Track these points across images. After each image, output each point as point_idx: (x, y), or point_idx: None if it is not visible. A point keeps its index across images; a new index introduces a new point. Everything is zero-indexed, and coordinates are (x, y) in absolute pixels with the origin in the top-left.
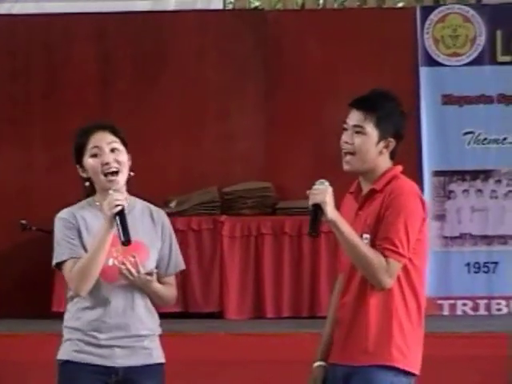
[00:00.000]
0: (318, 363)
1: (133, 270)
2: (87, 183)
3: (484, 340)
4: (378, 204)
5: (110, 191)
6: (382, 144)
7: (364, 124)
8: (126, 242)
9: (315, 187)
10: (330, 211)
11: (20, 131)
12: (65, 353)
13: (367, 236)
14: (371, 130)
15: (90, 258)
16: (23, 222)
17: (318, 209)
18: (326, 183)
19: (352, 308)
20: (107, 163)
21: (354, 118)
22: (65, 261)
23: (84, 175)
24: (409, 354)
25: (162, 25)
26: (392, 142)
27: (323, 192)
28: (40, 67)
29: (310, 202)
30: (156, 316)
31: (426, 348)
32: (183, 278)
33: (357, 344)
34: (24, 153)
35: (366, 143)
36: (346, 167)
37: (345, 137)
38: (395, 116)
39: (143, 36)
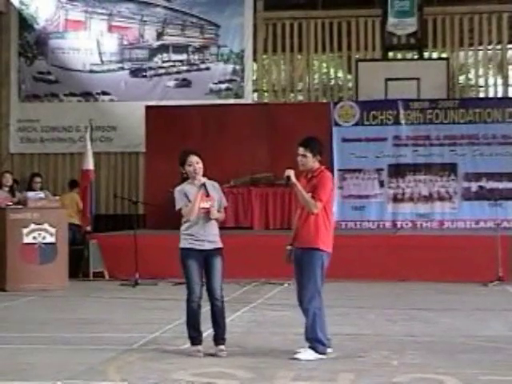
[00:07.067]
0: (289, 247)
1: (211, 211)
2: (184, 175)
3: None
4: (315, 181)
5: (197, 178)
6: (314, 159)
7: (305, 152)
8: (207, 195)
9: (287, 171)
10: (293, 179)
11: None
12: (183, 244)
13: (310, 194)
14: (309, 154)
15: (192, 205)
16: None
17: (289, 177)
18: (290, 170)
19: (301, 221)
20: (195, 170)
21: (301, 150)
22: (181, 208)
23: (183, 171)
24: (327, 241)
25: (226, 110)
26: (318, 157)
27: (290, 172)
28: (174, 128)
29: (285, 175)
30: (217, 227)
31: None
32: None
33: (303, 238)
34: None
35: (308, 161)
36: (301, 169)
37: (298, 159)
38: (318, 146)
39: (216, 115)
